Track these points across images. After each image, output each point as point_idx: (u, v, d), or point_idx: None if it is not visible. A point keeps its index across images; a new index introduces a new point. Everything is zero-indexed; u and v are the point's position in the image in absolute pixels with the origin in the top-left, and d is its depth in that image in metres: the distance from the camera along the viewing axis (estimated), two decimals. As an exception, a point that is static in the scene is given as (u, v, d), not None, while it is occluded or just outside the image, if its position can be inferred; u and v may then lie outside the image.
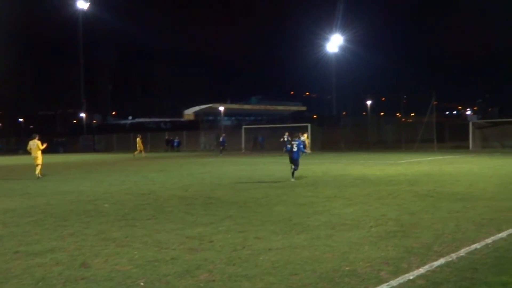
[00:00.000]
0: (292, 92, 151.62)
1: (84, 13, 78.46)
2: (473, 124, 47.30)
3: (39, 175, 21.78)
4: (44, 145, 22.89)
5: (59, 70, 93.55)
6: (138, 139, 45.54)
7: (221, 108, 78.39)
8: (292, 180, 17.93)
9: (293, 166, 18.53)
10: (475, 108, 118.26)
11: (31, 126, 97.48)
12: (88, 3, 77.76)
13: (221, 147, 48.31)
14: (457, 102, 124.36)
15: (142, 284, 5.80)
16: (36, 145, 22.37)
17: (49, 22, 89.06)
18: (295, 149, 18.50)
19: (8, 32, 79.67)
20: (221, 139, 49.75)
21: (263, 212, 10.75)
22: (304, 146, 22.10)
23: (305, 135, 23.72)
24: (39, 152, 22.27)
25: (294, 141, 18.95)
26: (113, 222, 9.93)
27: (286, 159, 19.66)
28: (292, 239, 7.97)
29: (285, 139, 23.56)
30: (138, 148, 44.90)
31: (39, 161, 22.19)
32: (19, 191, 16.19)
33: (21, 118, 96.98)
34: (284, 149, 20.85)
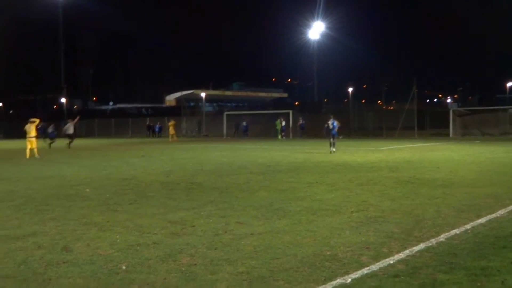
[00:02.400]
0: (274, 79, 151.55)
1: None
2: (454, 112, 47.72)
3: (37, 156, 23.93)
4: (38, 121, 25.47)
5: (40, 54, 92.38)
6: (169, 123, 46.18)
7: (203, 94, 78.07)
8: (333, 150, 24.57)
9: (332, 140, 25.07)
10: (455, 96, 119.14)
11: (11, 111, 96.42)
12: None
13: (244, 133, 50.24)
14: (438, 90, 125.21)
15: (124, 268, 5.81)
16: (31, 127, 24.52)
17: (30, 6, 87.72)
18: (330, 127, 25.55)
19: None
20: (244, 123, 50.40)
21: (245, 198, 10.79)
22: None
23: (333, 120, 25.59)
24: (34, 136, 24.47)
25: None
26: (94, 206, 9.90)
27: (267, 145, 19.76)
28: (274, 224, 8.02)
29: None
30: (170, 133, 45.47)
31: (34, 145, 24.20)
32: (-1, 175, 16.05)
33: (0, 103, 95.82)
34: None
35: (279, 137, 44.66)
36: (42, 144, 36.16)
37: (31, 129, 24.57)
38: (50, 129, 39.37)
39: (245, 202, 10.19)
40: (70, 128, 34.66)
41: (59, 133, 41.09)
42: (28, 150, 24.15)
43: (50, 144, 34.66)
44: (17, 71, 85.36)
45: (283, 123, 46.17)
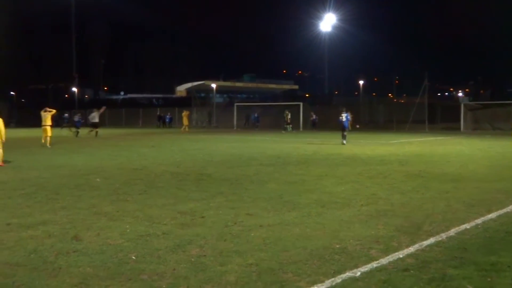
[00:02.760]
0: (284, 71, 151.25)
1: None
2: (465, 106, 47.46)
3: (49, 145, 24.26)
4: (53, 111, 25.70)
5: (51, 44, 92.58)
6: (183, 114, 46.49)
7: (213, 85, 78.03)
8: (344, 142, 25.32)
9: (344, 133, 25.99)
10: (467, 90, 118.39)
11: (23, 100, 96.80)
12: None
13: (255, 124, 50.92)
14: (449, 84, 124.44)
15: (133, 257, 5.83)
16: (47, 116, 25.00)
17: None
18: (343, 119, 26.36)
19: (-1, 5, 78.77)
20: (256, 114, 50.65)
21: (254, 189, 10.80)
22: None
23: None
24: (49, 124, 24.90)
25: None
26: (105, 196, 9.95)
27: (277, 137, 19.77)
28: (283, 216, 8.02)
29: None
30: (184, 123, 45.57)
31: (49, 133, 24.66)
32: (11, 164, 16.13)
33: (12, 91, 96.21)
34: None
35: (289, 129, 44.43)
36: (68, 133, 36.85)
37: (47, 117, 25.00)
38: (76, 118, 39.97)
39: (255, 194, 10.20)
40: (95, 117, 35.70)
41: (84, 122, 41.70)
42: (44, 136, 24.76)
43: (77, 133, 35.73)
44: (29, 60, 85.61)
45: (289, 115, 45.91)
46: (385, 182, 11.90)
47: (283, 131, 42.97)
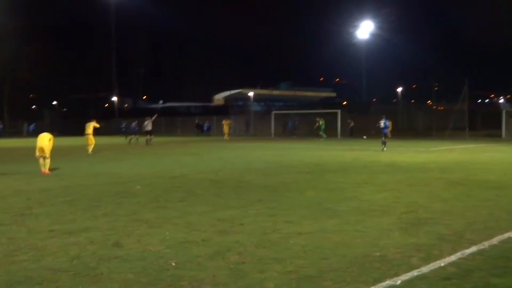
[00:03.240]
0: (321, 79, 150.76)
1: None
2: (507, 112, 46.46)
3: (90, 152, 25.28)
4: (98, 125, 26.65)
5: (92, 54, 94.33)
6: (224, 122, 47.34)
7: (251, 94, 78.32)
8: (384, 149, 25.55)
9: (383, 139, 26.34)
10: (508, 96, 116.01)
11: (65, 109, 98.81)
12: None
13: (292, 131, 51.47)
14: (490, 90, 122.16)
15: (173, 264, 5.88)
16: (90, 125, 26.06)
17: (82, 7, 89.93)
18: (382, 126, 26.81)
19: (42, 17, 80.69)
20: (294, 122, 51.02)
21: (293, 197, 10.79)
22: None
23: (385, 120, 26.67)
24: (91, 134, 25.91)
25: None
26: (145, 203, 10.07)
27: (315, 145, 19.72)
28: (322, 223, 7.99)
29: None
30: (225, 132, 46.34)
31: (90, 142, 25.74)
32: (54, 171, 16.46)
33: (54, 101, 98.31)
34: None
35: (324, 136, 44.17)
36: (123, 141, 38.07)
37: (89, 126, 26.01)
38: (133, 125, 41.56)
39: (293, 201, 10.19)
40: (148, 125, 36.60)
41: (140, 130, 42.84)
42: (87, 144, 25.86)
43: (130, 140, 38.03)
44: (70, 71, 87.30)
45: (321, 123, 45.61)
46: (425, 189, 11.75)
47: (315, 139, 42.86)
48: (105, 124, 65.40)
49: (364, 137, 43.66)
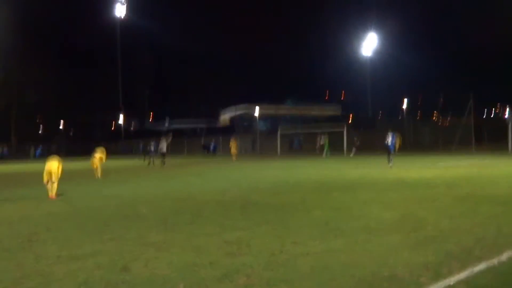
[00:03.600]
0: (327, 96, 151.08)
1: (122, 19, 79.70)
2: (513, 125, 46.25)
3: (98, 176, 24.06)
4: (103, 156, 25.13)
5: (98, 76, 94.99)
6: (230, 143, 47.17)
7: (257, 112, 78.47)
8: (390, 165, 25.33)
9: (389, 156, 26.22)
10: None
11: (71, 132, 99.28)
12: (125, 10, 78.99)
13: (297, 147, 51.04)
14: (495, 103, 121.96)
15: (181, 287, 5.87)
16: (97, 150, 24.87)
17: (88, 29, 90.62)
18: (389, 142, 26.81)
19: (46, 39, 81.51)
20: (299, 138, 51.09)
21: (300, 216, 10.76)
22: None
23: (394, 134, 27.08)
24: (97, 159, 24.59)
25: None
26: (152, 226, 10.06)
27: (321, 162, 19.71)
28: (330, 243, 7.96)
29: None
30: (232, 152, 45.92)
31: (95, 166, 24.43)
32: (61, 196, 16.47)
33: (61, 124, 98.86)
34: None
35: (327, 154, 44.23)
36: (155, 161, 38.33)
37: (96, 151, 25.22)
38: (152, 147, 41.34)
39: (301, 221, 10.16)
40: (163, 146, 37.08)
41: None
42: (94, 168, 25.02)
43: (150, 161, 38.43)
44: (76, 93, 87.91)
45: (322, 142, 45.64)
46: (433, 206, 11.70)
47: (329, 155, 42.94)
48: (113, 145, 65.51)
49: (351, 155, 43.59)
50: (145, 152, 44.66)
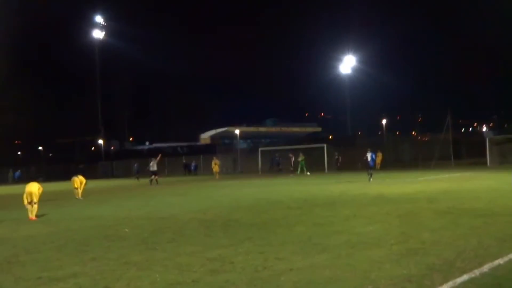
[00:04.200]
0: (306, 114, 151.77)
1: (100, 41, 79.65)
2: (490, 140, 46.82)
3: (78, 197, 24.43)
4: (83, 183, 25.15)
5: (76, 98, 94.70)
6: (213, 163, 47.01)
7: (237, 131, 78.55)
8: (370, 180, 26.67)
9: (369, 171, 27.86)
10: (491, 124, 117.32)
11: (50, 154, 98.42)
12: (103, 32, 79.05)
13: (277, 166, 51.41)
14: (473, 119, 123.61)
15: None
16: (75, 180, 24.91)
17: (66, 51, 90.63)
18: (369, 159, 28.04)
19: (25, 62, 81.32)
20: (277, 157, 51.98)
21: (282, 233, 10.75)
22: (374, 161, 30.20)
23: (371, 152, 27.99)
24: (78, 179, 24.89)
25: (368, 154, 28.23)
26: (133, 246, 9.98)
27: (302, 180, 19.71)
28: (313, 259, 7.95)
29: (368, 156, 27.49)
30: (216, 171, 46.04)
31: (76, 185, 24.69)
32: (41, 217, 16.29)
33: (40, 146, 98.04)
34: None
35: (305, 172, 44.34)
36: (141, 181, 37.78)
37: (76, 178, 25.12)
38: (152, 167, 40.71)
39: (283, 237, 10.15)
40: (154, 165, 38.39)
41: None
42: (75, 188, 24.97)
43: (151, 180, 38.55)
44: (55, 115, 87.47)
45: (299, 159, 45.65)
46: (414, 220, 11.76)
47: (291, 175, 43.06)
48: (92, 167, 65.13)
49: (308, 173, 43.80)
50: (137, 172, 46.81)
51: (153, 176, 38.17)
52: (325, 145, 50.81)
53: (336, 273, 6.94)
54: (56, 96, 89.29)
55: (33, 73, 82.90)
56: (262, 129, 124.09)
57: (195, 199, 21.52)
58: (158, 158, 39.38)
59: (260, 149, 58.61)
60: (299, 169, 44.92)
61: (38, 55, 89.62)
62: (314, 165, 47.98)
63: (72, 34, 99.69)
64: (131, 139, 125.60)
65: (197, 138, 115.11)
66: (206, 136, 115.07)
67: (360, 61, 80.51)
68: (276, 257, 8.15)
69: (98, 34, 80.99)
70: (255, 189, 26.31)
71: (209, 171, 48.94)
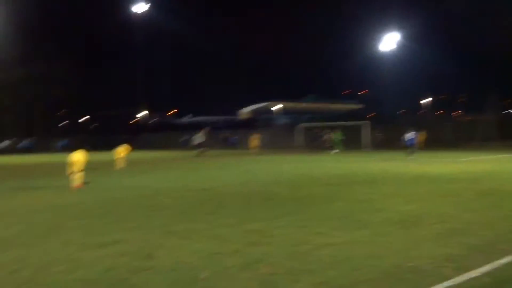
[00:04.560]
0: (347, 91, 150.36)
1: (142, 14, 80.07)
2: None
3: (121, 166, 25.40)
4: (125, 151, 26.67)
5: (120, 70, 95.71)
6: (253, 137, 47.39)
7: (277, 107, 78.40)
8: (411, 158, 28.01)
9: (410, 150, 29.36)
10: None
11: (95, 125, 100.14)
12: (148, 5, 79.46)
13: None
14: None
15: (205, 275, 5.92)
16: (118, 150, 26.29)
17: (108, 24, 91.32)
18: (410, 137, 29.67)
19: (71, 36, 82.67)
20: (320, 134, 51.47)
21: (322, 209, 10.77)
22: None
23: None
24: (121, 151, 26.28)
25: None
26: (175, 216, 10.15)
27: (342, 157, 19.59)
28: (352, 235, 7.97)
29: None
30: (255, 145, 46.25)
31: (118, 156, 25.99)
32: (87, 185, 16.62)
33: (84, 117, 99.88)
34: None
35: (334, 150, 43.42)
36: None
37: (120, 149, 26.40)
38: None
39: (323, 213, 10.17)
40: (201, 138, 41.14)
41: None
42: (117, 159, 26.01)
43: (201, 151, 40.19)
44: (100, 87, 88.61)
45: (336, 135, 44.86)
46: (455, 200, 11.63)
47: (328, 151, 42.41)
48: (134, 139, 66.19)
49: (337, 150, 42.69)
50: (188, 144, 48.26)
51: (201, 148, 39.81)
52: (369, 122, 50.28)
53: (375, 250, 6.94)
54: (100, 68, 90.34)
55: (77, 47, 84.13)
56: (302, 105, 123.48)
57: (235, 173, 21.68)
58: (206, 130, 40.66)
59: (299, 125, 58.42)
60: (339, 146, 44.27)
61: (82, 29, 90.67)
62: (352, 143, 47.52)
63: (116, 8, 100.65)
64: (173, 112, 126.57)
65: (237, 112, 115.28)
66: (246, 111, 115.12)
67: (405, 37, 78.96)
68: (316, 232, 8.18)
69: (140, 7, 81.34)
70: (294, 165, 26.33)
71: (248, 146, 49.02)
